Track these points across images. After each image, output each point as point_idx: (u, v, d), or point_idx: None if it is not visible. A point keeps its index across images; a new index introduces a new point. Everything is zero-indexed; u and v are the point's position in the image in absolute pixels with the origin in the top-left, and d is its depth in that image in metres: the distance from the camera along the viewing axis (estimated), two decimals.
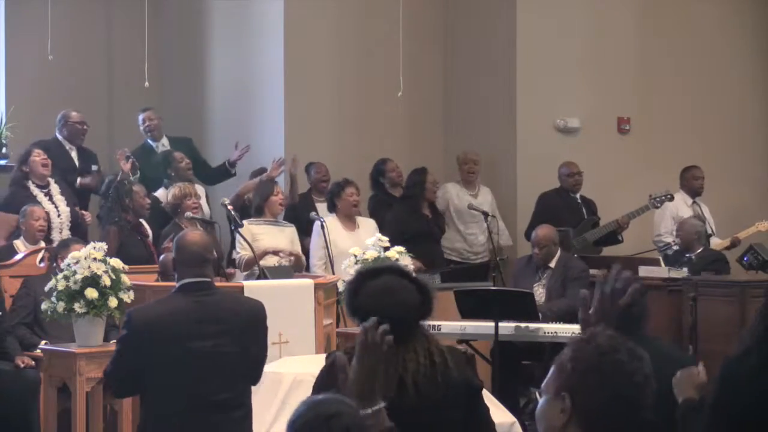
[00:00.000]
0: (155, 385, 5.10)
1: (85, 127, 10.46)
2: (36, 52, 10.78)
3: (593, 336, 3.17)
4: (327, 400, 3.09)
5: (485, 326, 8.69)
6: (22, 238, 9.15)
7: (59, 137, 10.39)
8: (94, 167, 10.58)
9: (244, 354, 5.21)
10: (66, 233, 9.55)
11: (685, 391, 4.52)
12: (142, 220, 9.76)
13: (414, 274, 4.19)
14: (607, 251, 11.22)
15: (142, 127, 10.93)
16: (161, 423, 5.12)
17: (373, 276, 4.13)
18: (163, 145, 10.86)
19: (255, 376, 5.40)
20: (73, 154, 10.42)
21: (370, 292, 4.07)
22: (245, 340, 5.23)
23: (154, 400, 5.13)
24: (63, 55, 10.92)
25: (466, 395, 4.13)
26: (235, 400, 5.22)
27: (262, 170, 10.61)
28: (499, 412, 7.21)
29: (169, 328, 5.10)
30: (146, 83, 10.42)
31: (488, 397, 7.29)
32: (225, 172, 11.01)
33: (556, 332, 8.59)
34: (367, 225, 10.09)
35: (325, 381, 4.08)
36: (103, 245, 7.59)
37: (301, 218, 10.22)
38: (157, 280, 8.48)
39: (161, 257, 8.70)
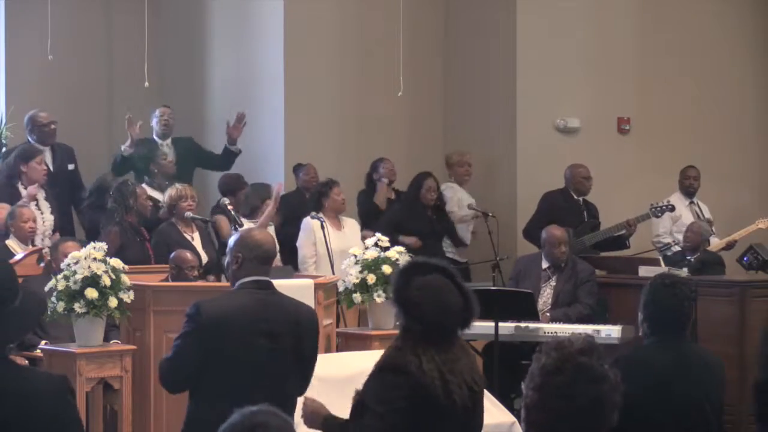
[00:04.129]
0: (213, 379, 5.05)
1: (53, 126, 10.35)
2: (36, 52, 10.77)
3: (548, 351, 3.16)
4: (260, 411, 3.07)
5: (485, 326, 8.69)
6: (14, 238, 9.14)
7: (30, 141, 10.30)
8: (70, 166, 10.51)
9: (298, 356, 5.19)
10: (47, 241, 9.50)
11: None
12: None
13: (459, 278, 4.18)
14: (607, 252, 11.21)
15: (156, 119, 10.91)
16: (214, 418, 5.08)
17: (424, 271, 4.14)
18: (167, 144, 10.88)
19: (306, 380, 5.31)
20: (47, 156, 10.28)
21: (422, 286, 4.07)
22: (301, 341, 5.20)
23: (210, 395, 5.06)
24: (63, 55, 10.91)
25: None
26: (288, 400, 5.20)
27: (233, 177, 10.66)
28: (499, 412, 7.22)
29: (237, 323, 5.05)
30: (146, 83, 10.42)
31: (487, 396, 7.30)
32: (230, 154, 11.04)
33: (556, 332, 8.60)
34: (351, 224, 10.20)
35: (397, 384, 4.05)
36: (103, 245, 7.59)
37: (295, 215, 10.26)
38: (166, 279, 8.49)
39: (172, 254, 8.70)
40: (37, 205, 9.66)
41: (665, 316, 5.19)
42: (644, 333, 5.25)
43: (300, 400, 5.23)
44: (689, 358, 5.21)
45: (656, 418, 4.80)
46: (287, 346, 5.13)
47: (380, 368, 4.06)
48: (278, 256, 9.72)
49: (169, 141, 10.92)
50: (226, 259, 5.30)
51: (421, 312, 4.05)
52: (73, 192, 10.40)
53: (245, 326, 5.06)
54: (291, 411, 5.25)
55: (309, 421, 4.46)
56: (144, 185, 10.33)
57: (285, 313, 5.19)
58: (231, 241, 5.31)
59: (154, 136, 10.91)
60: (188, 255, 8.60)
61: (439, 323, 4.05)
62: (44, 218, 9.63)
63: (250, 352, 5.05)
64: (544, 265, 9.79)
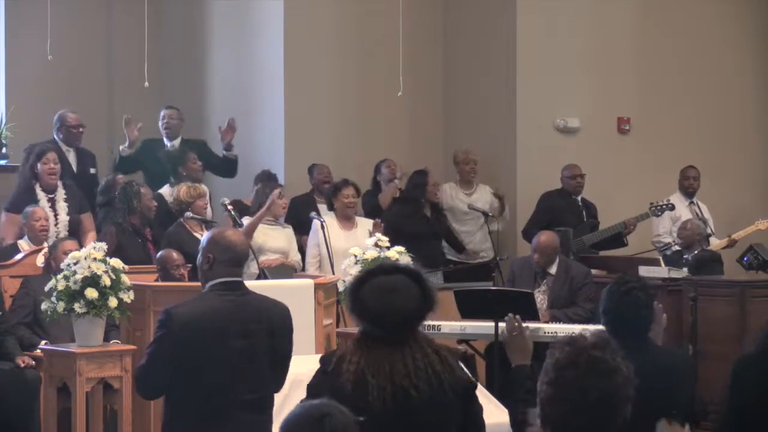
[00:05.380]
0: (188, 384, 5.02)
1: (81, 129, 10.38)
2: (36, 52, 10.77)
3: (562, 346, 3.20)
4: (319, 402, 3.16)
5: (485, 326, 8.68)
6: (26, 238, 9.15)
7: (56, 139, 10.34)
8: (92, 170, 10.54)
9: (273, 355, 5.16)
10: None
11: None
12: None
13: (427, 280, 4.16)
14: (607, 252, 11.21)
15: (161, 123, 10.90)
16: (191, 422, 5.07)
17: (385, 272, 4.14)
18: (174, 145, 10.85)
19: (282, 378, 5.30)
20: (71, 157, 10.32)
21: (373, 287, 4.08)
22: (275, 341, 5.18)
23: (186, 399, 5.05)
24: (63, 55, 10.91)
25: (464, 395, 4.15)
26: (265, 400, 5.19)
27: (266, 174, 10.67)
28: (498, 412, 7.21)
29: (208, 326, 5.02)
30: (146, 83, 10.41)
31: (488, 397, 7.30)
32: (228, 161, 10.98)
33: (556, 332, 8.59)
34: (366, 225, 10.14)
35: (319, 382, 4.10)
36: (103, 245, 7.59)
37: (302, 218, 10.27)
38: (157, 280, 8.48)
39: (158, 254, 8.67)
40: (52, 206, 9.62)
41: (623, 323, 5.13)
42: None
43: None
44: (649, 365, 5.13)
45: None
46: (261, 346, 5.10)
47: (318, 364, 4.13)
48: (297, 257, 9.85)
49: (176, 142, 10.90)
50: (198, 259, 5.25)
51: (364, 310, 4.07)
52: (93, 195, 10.39)
53: (217, 329, 5.02)
54: (272, 402, 5.25)
55: None
56: (167, 186, 10.30)
57: (257, 313, 5.14)
58: (203, 241, 5.25)
59: (164, 139, 10.89)
60: (174, 254, 8.52)
61: (379, 321, 4.04)
62: (59, 219, 9.56)
63: (223, 354, 5.01)
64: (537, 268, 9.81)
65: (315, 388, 4.07)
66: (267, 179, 10.58)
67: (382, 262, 4.24)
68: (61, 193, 9.65)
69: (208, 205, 9.80)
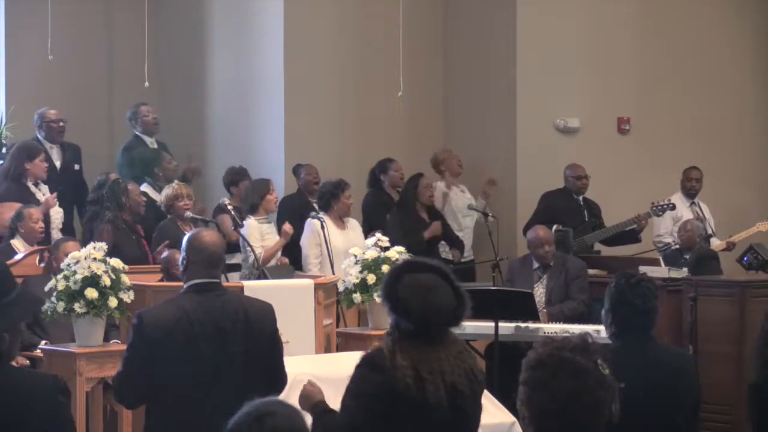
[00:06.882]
0: (164, 387, 5.00)
1: (61, 123, 10.40)
2: (36, 52, 10.79)
3: (536, 347, 3.19)
4: (266, 401, 3.13)
5: (485, 326, 8.69)
6: (20, 238, 9.14)
7: (39, 137, 10.36)
8: (76, 166, 10.54)
9: (253, 356, 5.12)
10: (57, 233, 9.56)
11: None
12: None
13: (454, 278, 4.19)
14: (607, 251, 11.21)
15: (144, 118, 10.90)
16: (169, 426, 5.05)
17: (417, 269, 4.14)
18: (153, 142, 10.89)
19: (277, 376, 5.23)
20: (54, 154, 10.36)
21: (410, 283, 4.09)
22: (255, 341, 5.13)
23: (163, 403, 5.02)
24: (63, 55, 10.92)
25: (481, 393, 4.23)
26: (244, 403, 5.16)
27: (237, 170, 10.64)
28: (499, 412, 7.22)
29: (176, 328, 4.99)
30: (146, 83, 10.42)
31: (488, 397, 7.30)
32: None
33: (556, 332, 8.60)
34: (354, 225, 10.19)
35: (374, 383, 4.05)
36: (103, 245, 7.59)
37: (298, 217, 10.26)
38: (161, 279, 8.49)
39: (164, 255, 8.69)
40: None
41: (634, 316, 5.11)
42: (611, 335, 5.18)
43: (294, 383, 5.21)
44: (658, 361, 5.10)
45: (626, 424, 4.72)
46: (237, 346, 5.06)
47: (358, 364, 4.10)
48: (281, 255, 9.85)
49: (154, 139, 10.95)
50: (178, 261, 5.29)
51: (407, 309, 4.08)
52: (77, 192, 10.41)
53: (186, 331, 4.99)
54: None
55: (301, 403, 4.46)
56: (145, 185, 10.35)
57: (231, 313, 5.10)
58: (183, 242, 5.27)
59: (139, 133, 10.88)
60: (177, 255, 8.55)
61: (424, 321, 4.06)
62: (56, 210, 9.66)
63: (194, 355, 4.99)
64: (535, 265, 9.86)
65: (372, 388, 4.04)
66: (237, 174, 10.57)
67: (410, 259, 4.27)
68: (44, 188, 9.79)
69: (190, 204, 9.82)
